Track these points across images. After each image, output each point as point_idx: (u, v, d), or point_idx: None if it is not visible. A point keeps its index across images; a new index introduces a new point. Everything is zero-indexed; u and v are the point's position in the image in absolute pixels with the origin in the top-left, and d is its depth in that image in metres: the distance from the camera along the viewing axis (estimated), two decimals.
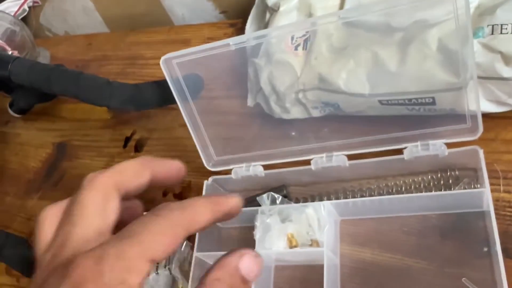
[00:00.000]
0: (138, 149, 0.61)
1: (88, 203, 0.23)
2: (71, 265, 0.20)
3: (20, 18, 0.86)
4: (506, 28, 0.36)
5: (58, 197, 0.66)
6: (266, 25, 0.52)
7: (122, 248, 0.20)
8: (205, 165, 0.47)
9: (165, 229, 0.22)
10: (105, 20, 0.88)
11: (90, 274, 0.19)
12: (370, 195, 0.42)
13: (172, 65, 0.41)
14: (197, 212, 0.23)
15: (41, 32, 0.97)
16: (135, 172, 0.26)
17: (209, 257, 0.44)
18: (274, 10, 0.50)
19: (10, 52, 0.73)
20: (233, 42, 0.38)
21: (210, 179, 0.48)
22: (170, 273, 0.46)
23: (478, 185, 0.39)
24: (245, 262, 0.23)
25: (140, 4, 0.80)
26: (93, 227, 0.23)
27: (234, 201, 0.25)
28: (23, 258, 0.50)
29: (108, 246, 0.20)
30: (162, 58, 0.41)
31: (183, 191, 0.54)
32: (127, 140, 0.63)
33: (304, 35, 0.46)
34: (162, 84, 0.51)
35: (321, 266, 0.38)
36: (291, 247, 0.40)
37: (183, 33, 0.71)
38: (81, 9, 0.87)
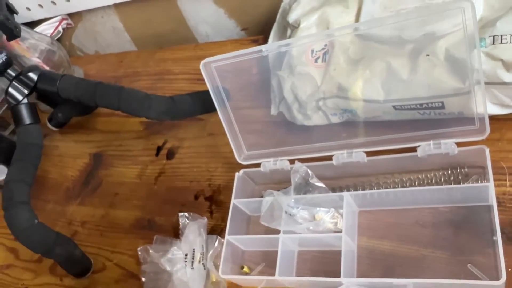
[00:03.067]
0: (170, 157, 0.66)
1: None
2: None
3: (55, 39, 0.93)
4: (506, 38, 0.40)
5: (96, 203, 0.72)
6: None
7: None
8: (237, 158, 0.53)
9: None
10: (133, 39, 0.94)
11: None
12: (386, 189, 0.47)
13: (210, 69, 0.47)
14: None
15: (73, 52, 1.03)
16: None
17: (238, 240, 0.49)
18: (294, 26, 0.55)
19: None
20: (265, 48, 0.44)
21: (241, 171, 0.52)
22: (205, 268, 0.51)
23: (485, 181, 0.42)
24: None
25: (166, 24, 0.86)
26: None
27: None
28: (71, 257, 0.55)
29: None
30: (202, 62, 0.47)
31: (213, 194, 0.59)
32: (159, 149, 0.68)
33: (322, 49, 0.51)
34: (195, 96, 0.56)
35: (340, 252, 0.42)
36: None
37: (208, 49, 0.77)
38: (111, 30, 0.94)
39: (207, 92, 0.49)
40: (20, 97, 0.58)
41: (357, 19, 0.51)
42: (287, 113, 0.55)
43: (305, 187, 0.48)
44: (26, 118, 0.58)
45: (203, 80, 0.49)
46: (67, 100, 0.60)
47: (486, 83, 0.42)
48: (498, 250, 0.38)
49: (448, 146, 0.43)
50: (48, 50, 0.82)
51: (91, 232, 0.65)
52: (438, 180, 0.46)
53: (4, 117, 0.85)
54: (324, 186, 0.47)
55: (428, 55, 0.42)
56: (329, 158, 0.49)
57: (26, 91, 0.58)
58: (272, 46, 0.45)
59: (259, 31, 0.79)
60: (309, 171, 0.47)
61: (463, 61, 0.41)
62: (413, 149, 0.45)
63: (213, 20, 0.83)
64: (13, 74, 0.59)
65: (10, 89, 0.58)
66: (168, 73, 0.78)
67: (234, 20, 0.81)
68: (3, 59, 0.57)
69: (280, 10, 0.63)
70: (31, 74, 0.59)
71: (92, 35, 0.98)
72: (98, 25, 0.94)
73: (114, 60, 0.88)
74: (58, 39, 0.95)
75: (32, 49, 0.80)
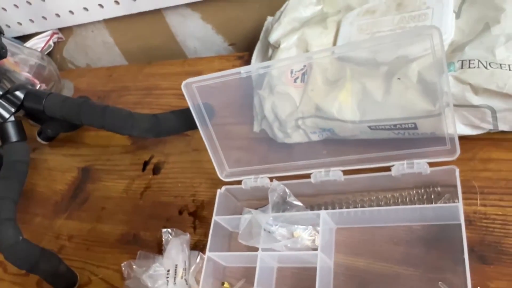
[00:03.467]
0: (156, 172, 0.67)
1: None
2: None
3: (46, 53, 0.94)
4: (474, 63, 0.42)
5: (84, 217, 0.73)
6: (269, 60, 0.59)
7: None
8: (219, 175, 0.54)
9: None
10: (124, 53, 0.95)
11: None
12: (363, 207, 0.48)
13: (192, 89, 0.48)
14: None
15: (64, 65, 1.05)
16: None
17: (219, 256, 0.50)
18: (275, 47, 0.56)
19: (38, 85, 0.80)
20: (244, 70, 0.45)
21: (223, 188, 0.54)
22: (187, 284, 0.52)
23: (457, 201, 0.44)
24: None
25: (155, 38, 0.88)
26: None
27: None
28: (55, 272, 0.56)
29: None
30: (184, 82, 0.48)
31: (197, 209, 0.60)
32: (146, 164, 0.69)
33: (301, 69, 0.52)
34: (178, 114, 0.57)
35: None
36: None
37: (196, 65, 0.78)
38: (102, 44, 0.95)
39: (190, 109, 0.51)
40: (6, 115, 0.59)
41: (335, 40, 0.53)
42: (269, 131, 0.57)
43: (283, 205, 0.49)
44: (13, 135, 0.59)
45: None
46: (54, 118, 0.61)
47: (456, 106, 0.44)
48: (465, 268, 0.39)
49: (420, 166, 0.45)
50: (38, 65, 0.83)
51: (78, 246, 0.65)
52: (412, 198, 0.47)
53: None
54: (301, 204, 0.48)
55: (399, 78, 0.44)
56: (308, 176, 0.50)
57: (12, 109, 0.59)
58: (250, 68, 0.46)
59: (246, 46, 0.81)
60: (287, 190, 0.48)
61: (434, 84, 0.42)
62: (388, 168, 0.46)
63: (201, 36, 0.84)
64: (0, 92, 0.60)
65: None
66: (156, 88, 0.79)
67: (222, 36, 0.83)
68: None
69: (264, 29, 0.65)
70: (17, 93, 0.60)
71: (83, 49, 0.99)
72: (89, 39, 0.95)
73: (103, 74, 0.89)
74: (49, 53, 0.97)
75: (22, 64, 0.81)
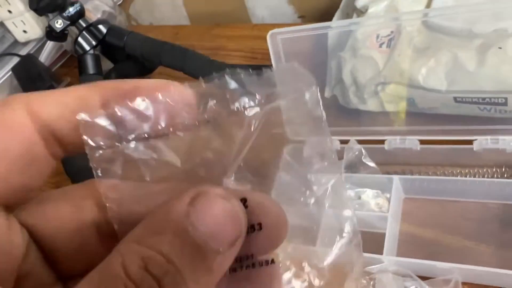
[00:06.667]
0: None
1: None
2: None
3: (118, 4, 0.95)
4: None
5: None
6: None
7: None
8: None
9: None
10: (189, 15, 0.96)
11: None
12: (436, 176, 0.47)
13: (276, 41, 0.48)
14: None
15: (128, 22, 1.06)
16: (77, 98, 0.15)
17: None
18: (362, 12, 0.56)
19: None
20: (335, 25, 0.44)
21: (291, 145, 0.53)
22: None
23: None
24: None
25: (225, 2, 0.88)
26: None
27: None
28: None
29: None
30: (270, 32, 0.48)
31: None
32: None
33: (388, 35, 0.51)
34: (256, 69, 0.57)
35: (382, 234, 0.43)
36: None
37: (265, 30, 0.76)
38: (169, 3, 0.96)
39: (260, 66, 0.50)
40: (87, 47, 0.60)
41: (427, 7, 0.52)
42: (341, 97, 0.56)
43: (355, 167, 0.48)
44: (91, 68, 0.60)
45: (256, 58, 0.50)
46: (128, 58, 0.62)
47: None
48: None
49: (506, 142, 0.43)
50: (109, 13, 0.84)
51: None
52: (490, 176, 0.46)
53: (57, 74, 0.88)
54: (375, 166, 0.48)
55: (500, 47, 0.43)
56: (381, 142, 0.49)
57: (94, 42, 0.61)
58: (341, 23, 0.46)
59: (316, 19, 0.80)
60: (363, 150, 0.48)
61: None
62: (469, 142, 0.45)
63: (272, 4, 0.84)
64: (84, 25, 0.61)
65: (80, 39, 0.60)
66: (222, 48, 0.80)
67: (293, 6, 0.82)
68: (77, 8, 0.59)
69: None
70: (100, 27, 0.62)
71: (150, 7, 1.00)
72: None
73: (170, 32, 0.90)
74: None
75: (95, 10, 0.82)
